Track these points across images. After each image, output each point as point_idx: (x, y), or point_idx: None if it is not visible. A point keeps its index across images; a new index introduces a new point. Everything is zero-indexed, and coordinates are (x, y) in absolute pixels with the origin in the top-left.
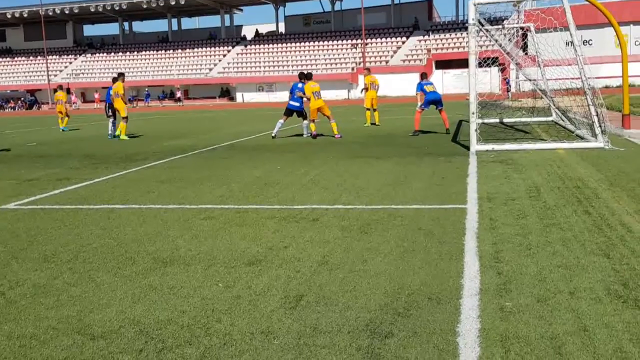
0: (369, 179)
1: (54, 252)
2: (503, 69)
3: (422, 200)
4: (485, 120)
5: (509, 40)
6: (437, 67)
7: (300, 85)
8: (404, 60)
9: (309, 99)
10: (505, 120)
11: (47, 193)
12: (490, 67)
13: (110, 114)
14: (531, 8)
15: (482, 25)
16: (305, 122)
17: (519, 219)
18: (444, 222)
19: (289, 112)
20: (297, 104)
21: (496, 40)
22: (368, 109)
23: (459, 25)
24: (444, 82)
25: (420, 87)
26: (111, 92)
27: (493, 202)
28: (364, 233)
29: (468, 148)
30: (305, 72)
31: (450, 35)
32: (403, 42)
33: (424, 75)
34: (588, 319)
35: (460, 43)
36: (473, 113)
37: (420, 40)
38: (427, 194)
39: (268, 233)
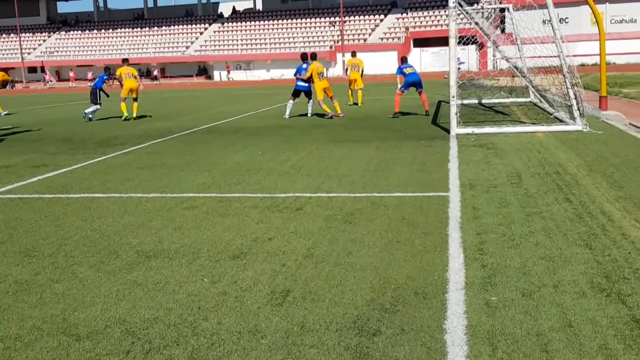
0: (351, 164)
1: (34, 246)
2: (481, 47)
3: (405, 187)
4: (465, 102)
5: (486, 18)
6: (415, 45)
7: (305, 66)
8: (382, 39)
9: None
10: (484, 101)
11: (25, 181)
12: (468, 45)
13: (98, 100)
14: None
15: (462, 7)
16: (311, 102)
17: (502, 207)
18: (427, 211)
19: (297, 92)
20: (305, 84)
21: (476, 23)
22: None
23: (437, 3)
24: (422, 60)
25: (400, 71)
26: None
27: (475, 189)
28: (348, 223)
29: (448, 131)
30: (309, 52)
31: (429, 12)
32: (381, 20)
33: (404, 59)
34: (573, 314)
35: (439, 21)
36: (453, 96)
37: (398, 18)
38: (409, 181)
39: (252, 224)
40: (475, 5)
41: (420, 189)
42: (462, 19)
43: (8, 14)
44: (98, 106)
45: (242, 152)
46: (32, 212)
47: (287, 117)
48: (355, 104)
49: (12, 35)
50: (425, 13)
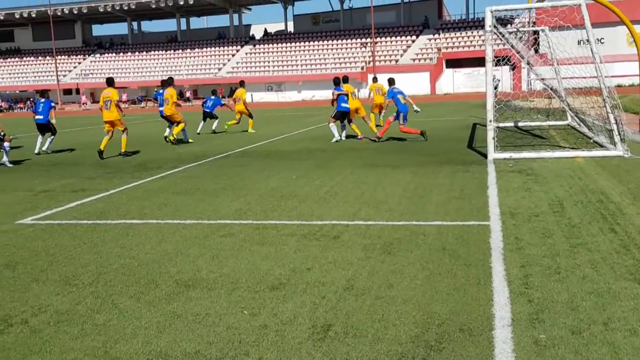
0: (387, 190)
1: (74, 274)
2: (514, 68)
3: (444, 215)
4: (501, 125)
5: (520, 39)
6: (447, 66)
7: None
8: (413, 59)
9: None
10: (521, 124)
11: (64, 206)
12: (501, 65)
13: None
14: (544, 6)
15: (498, 30)
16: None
17: (545, 237)
18: (468, 242)
19: (342, 114)
20: (347, 106)
21: (511, 44)
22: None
23: (470, 24)
24: (455, 80)
25: (392, 95)
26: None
27: (516, 218)
28: (388, 253)
29: (485, 156)
30: (342, 76)
31: (461, 33)
32: (413, 41)
33: (391, 81)
34: (625, 354)
35: (471, 42)
36: (490, 120)
37: (430, 39)
38: (448, 209)
39: (289, 253)
40: (509, 26)
41: (459, 217)
42: (496, 41)
43: (45, 37)
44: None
45: (276, 176)
46: (72, 238)
47: (337, 139)
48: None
49: (48, 57)
50: (458, 34)
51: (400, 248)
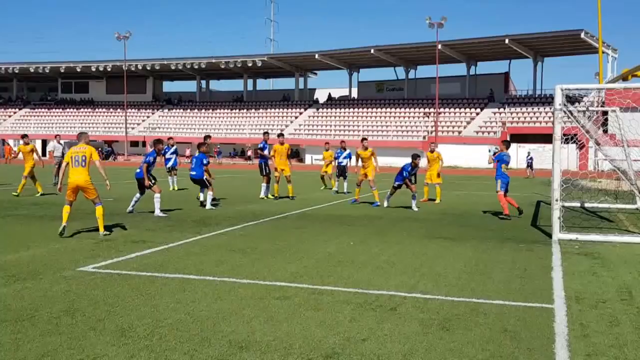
0: (447, 264)
1: (130, 326)
2: (581, 147)
3: (505, 295)
4: (566, 204)
5: (588, 118)
6: (512, 141)
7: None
8: (477, 132)
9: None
10: (587, 205)
11: (124, 257)
12: (568, 143)
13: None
14: (617, 87)
15: (567, 108)
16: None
17: (612, 326)
18: (530, 325)
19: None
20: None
21: (579, 123)
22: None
23: (536, 100)
24: (519, 156)
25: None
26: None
27: (582, 303)
28: (446, 330)
29: (549, 235)
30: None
31: (527, 108)
32: (477, 114)
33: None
34: None
35: (537, 117)
36: (557, 200)
37: (495, 113)
38: (510, 288)
39: (345, 321)
40: (577, 104)
41: (522, 298)
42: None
43: (117, 91)
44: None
45: (333, 241)
46: (130, 289)
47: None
48: (432, 199)
49: (119, 109)
50: (524, 109)
51: (459, 325)
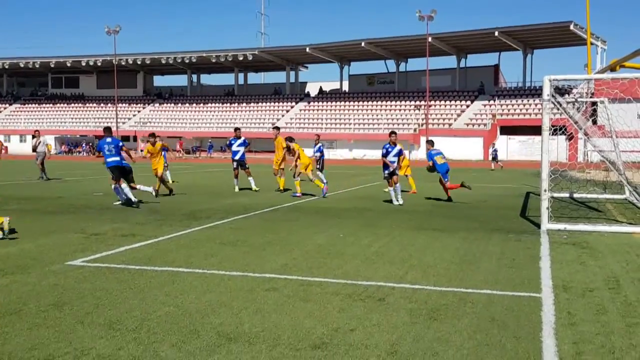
0: (436, 255)
1: (118, 319)
2: (570, 138)
3: (493, 284)
4: (555, 195)
5: (577, 109)
6: (502, 133)
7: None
8: (467, 124)
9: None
10: (576, 195)
11: (113, 250)
12: (557, 135)
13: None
14: (605, 78)
15: (556, 99)
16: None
17: (599, 314)
18: (518, 313)
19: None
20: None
21: (568, 114)
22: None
23: (526, 92)
24: (509, 148)
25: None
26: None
27: (569, 292)
28: (434, 320)
29: (538, 225)
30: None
31: (517, 100)
32: (467, 106)
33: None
34: None
35: (527, 109)
36: (545, 190)
37: (485, 105)
38: (498, 278)
39: (333, 312)
40: (567, 95)
41: (510, 287)
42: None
43: (108, 85)
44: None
45: (324, 233)
46: (118, 282)
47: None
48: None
49: (109, 104)
50: (514, 101)
51: (447, 315)
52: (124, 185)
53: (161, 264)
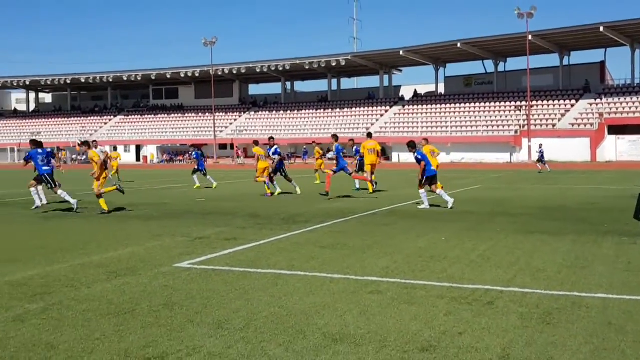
0: (545, 258)
1: (226, 318)
2: None
3: (608, 288)
4: None
5: None
6: (610, 133)
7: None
8: (572, 124)
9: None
10: None
11: (217, 253)
12: None
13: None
14: None
15: None
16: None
17: None
18: (636, 317)
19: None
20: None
21: None
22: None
23: (635, 89)
24: (618, 148)
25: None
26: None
27: None
28: (547, 324)
29: None
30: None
31: (626, 99)
32: (572, 105)
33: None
34: None
35: (637, 107)
36: None
37: (591, 104)
38: (613, 281)
39: (440, 315)
40: None
41: (626, 291)
42: None
43: (205, 95)
44: None
45: (424, 237)
46: (224, 284)
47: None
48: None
49: (207, 114)
50: (622, 99)
51: (560, 319)
52: (60, 191)
53: (264, 267)
